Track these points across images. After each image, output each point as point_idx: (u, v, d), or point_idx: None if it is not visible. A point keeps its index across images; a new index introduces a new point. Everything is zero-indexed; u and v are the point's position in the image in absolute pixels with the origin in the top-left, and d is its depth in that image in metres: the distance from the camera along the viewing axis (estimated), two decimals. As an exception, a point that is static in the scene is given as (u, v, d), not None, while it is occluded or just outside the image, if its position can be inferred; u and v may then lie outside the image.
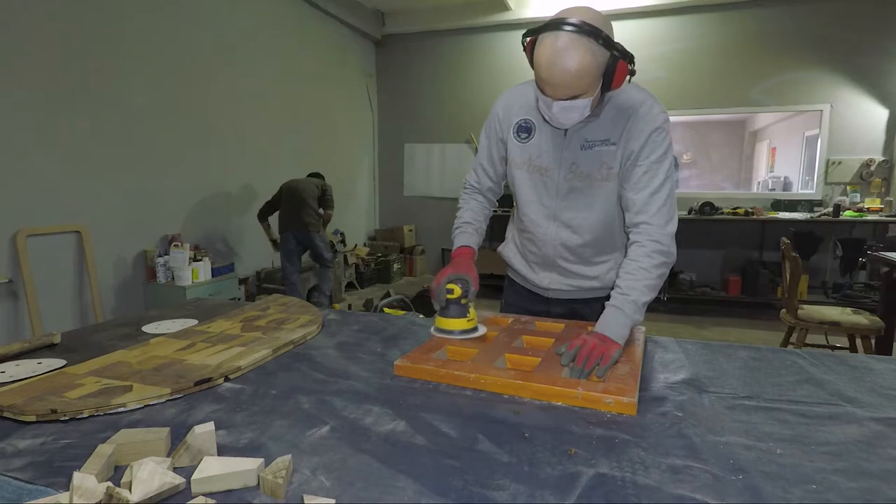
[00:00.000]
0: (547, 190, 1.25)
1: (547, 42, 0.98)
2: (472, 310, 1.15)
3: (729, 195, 5.92)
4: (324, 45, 5.52)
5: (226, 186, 4.24)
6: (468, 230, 1.31)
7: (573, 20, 0.96)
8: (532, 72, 1.09)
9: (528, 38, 1.06)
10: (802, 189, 6.01)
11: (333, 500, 0.56)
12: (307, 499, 0.56)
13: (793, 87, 5.05)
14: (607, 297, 1.15)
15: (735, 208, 5.05)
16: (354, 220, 6.28)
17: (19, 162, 2.75)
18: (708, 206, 5.03)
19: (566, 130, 1.17)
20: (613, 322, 1.06)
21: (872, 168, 4.90)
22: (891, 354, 2.30)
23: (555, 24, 0.98)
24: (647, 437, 0.73)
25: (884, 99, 4.83)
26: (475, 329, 1.15)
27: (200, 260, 3.50)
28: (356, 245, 5.87)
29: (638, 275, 1.10)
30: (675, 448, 0.70)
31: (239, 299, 3.88)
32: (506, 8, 5.62)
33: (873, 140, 4.92)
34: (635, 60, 1.04)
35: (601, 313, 1.10)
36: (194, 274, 3.40)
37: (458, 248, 1.27)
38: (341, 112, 5.93)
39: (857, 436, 0.74)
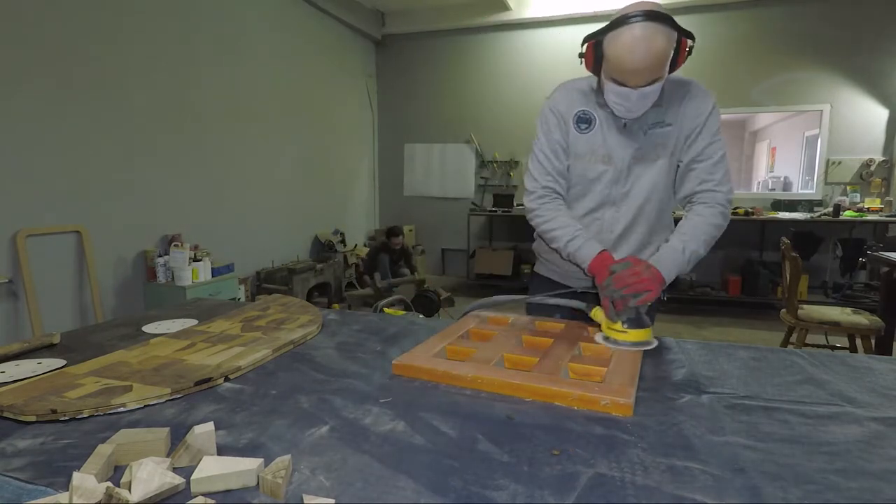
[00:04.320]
0: (608, 179, 1.29)
1: (623, 37, 1.05)
2: None
3: (729, 195, 5.91)
4: (324, 45, 5.52)
5: (226, 186, 4.24)
6: (588, 236, 1.26)
7: (641, 11, 1.04)
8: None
9: (590, 41, 1.14)
10: (802, 189, 6.02)
11: (333, 500, 0.56)
12: (307, 499, 0.56)
13: (793, 87, 5.05)
14: None
15: (735, 208, 5.05)
16: (354, 220, 6.28)
17: (19, 162, 2.75)
18: (708, 206, 5.02)
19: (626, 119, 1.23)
20: (671, 261, 1.14)
21: (872, 168, 4.90)
22: (891, 354, 2.30)
23: (625, 20, 1.05)
24: (646, 438, 0.73)
25: (884, 99, 4.83)
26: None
27: (200, 260, 3.50)
28: (356, 245, 5.87)
29: (704, 228, 1.18)
30: (674, 448, 0.70)
31: (239, 299, 3.88)
32: (506, 8, 5.62)
33: (873, 140, 4.92)
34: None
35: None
36: (194, 274, 3.40)
37: (600, 255, 1.20)
38: (341, 112, 5.93)
39: (857, 436, 0.74)
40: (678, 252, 1.16)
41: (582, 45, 1.17)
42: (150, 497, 0.56)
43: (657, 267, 1.12)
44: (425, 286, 4.79)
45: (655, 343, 1.10)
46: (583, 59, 1.19)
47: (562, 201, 1.34)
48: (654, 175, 1.28)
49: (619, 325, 1.08)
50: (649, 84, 1.09)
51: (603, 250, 1.22)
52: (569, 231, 1.27)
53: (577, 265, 1.27)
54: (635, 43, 1.04)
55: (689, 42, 1.10)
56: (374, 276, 4.92)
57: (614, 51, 1.08)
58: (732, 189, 1.25)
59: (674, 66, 1.11)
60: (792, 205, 5.15)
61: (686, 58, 1.12)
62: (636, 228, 1.34)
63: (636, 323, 1.07)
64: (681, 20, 1.07)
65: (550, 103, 1.31)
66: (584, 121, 1.27)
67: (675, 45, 1.08)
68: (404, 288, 5.03)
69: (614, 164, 1.27)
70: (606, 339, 1.09)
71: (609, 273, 1.11)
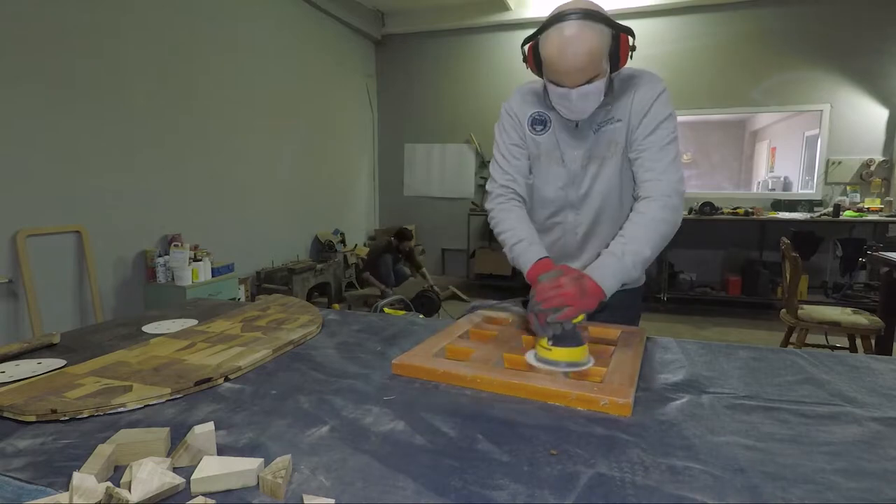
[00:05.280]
0: (564, 180, 1.27)
1: (554, 34, 1.04)
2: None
3: (729, 195, 5.92)
4: (324, 45, 5.52)
5: (226, 186, 4.24)
6: (534, 240, 1.20)
7: (568, 10, 1.03)
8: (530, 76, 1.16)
9: (529, 44, 1.12)
10: (802, 189, 6.01)
11: (333, 500, 0.56)
12: (307, 499, 0.56)
13: (793, 87, 5.05)
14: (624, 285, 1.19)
15: (735, 208, 5.05)
16: (354, 220, 6.28)
17: (19, 162, 2.75)
18: (708, 206, 5.03)
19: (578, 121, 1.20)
20: (608, 271, 1.04)
21: (872, 168, 4.90)
22: (891, 354, 2.30)
23: (554, 20, 1.04)
24: (646, 438, 0.73)
25: (884, 99, 4.83)
26: (590, 358, 0.99)
27: (200, 260, 3.50)
28: (356, 245, 5.86)
29: (646, 225, 1.09)
30: (674, 448, 0.70)
31: (239, 299, 3.88)
32: (506, 8, 5.62)
33: (873, 140, 4.92)
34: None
35: (610, 303, 1.09)
36: (194, 274, 3.40)
37: (538, 263, 1.15)
38: (341, 112, 5.93)
39: (857, 436, 0.74)
40: (617, 258, 1.07)
41: (522, 47, 1.15)
42: (150, 497, 0.56)
43: (593, 277, 1.03)
44: (427, 286, 4.79)
45: (588, 364, 0.97)
46: (527, 64, 1.17)
47: (518, 201, 1.29)
48: (610, 174, 1.24)
49: (544, 342, 0.98)
50: (586, 83, 1.06)
51: (543, 258, 1.16)
52: (514, 234, 1.22)
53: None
54: (564, 43, 1.02)
55: (631, 40, 1.08)
56: (369, 277, 4.92)
57: (546, 52, 1.06)
58: (682, 178, 1.15)
59: (617, 62, 1.09)
60: (792, 205, 5.15)
61: (629, 53, 1.09)
62: (599, 230, 1.29)
63: (563, 340, 0.96)
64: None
65: (506, 105, 1.30)
66: (538, 122, 1.25)
67: (610, 41, 1.06)
68: (409, 285, 5.04)
69: (567, 166, 1.25)
70: (536, 356, 0.99)
71: (537, 284, 1.03)
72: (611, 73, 1.10)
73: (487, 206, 1.33)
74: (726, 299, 5.13)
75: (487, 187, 1.35)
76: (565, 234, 1.32)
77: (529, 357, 1.00)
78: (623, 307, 1.30)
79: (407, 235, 4.97)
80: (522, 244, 1.19)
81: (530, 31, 1.13)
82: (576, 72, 1.04)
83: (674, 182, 1.14)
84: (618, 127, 1.19)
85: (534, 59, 1.13)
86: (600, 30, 1.03)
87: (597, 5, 1.06)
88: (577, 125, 1.21)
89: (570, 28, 1.01)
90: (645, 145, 1.16)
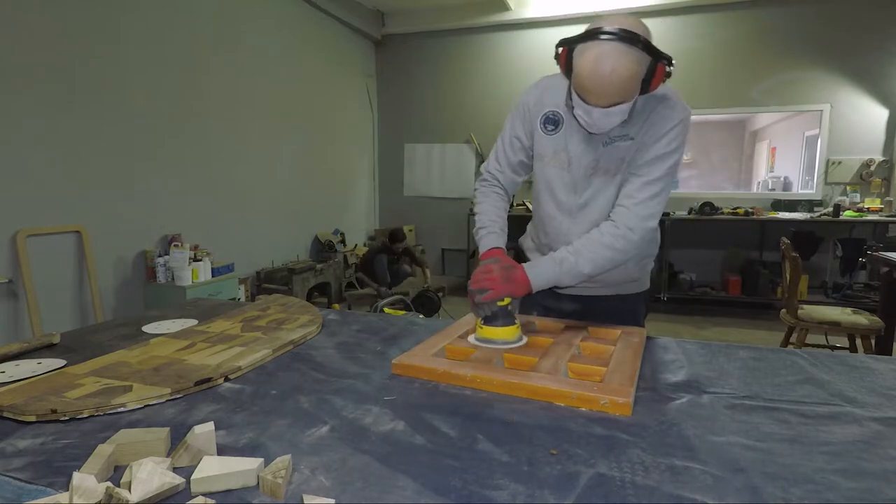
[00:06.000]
0: (565, 185, 1.24)
1: (589, 53, 0.97)
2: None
3: (729, 195, 5.92)
4: (324, 45, 5.52)
5: (226, 186, 4.24)
6: (494, 229, 1.27)
7: (613, 28, 0.95)
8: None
9: (562, 48, 1.05)
10: (802, 189, 6.01)
11: (333, 500, 0.56)
12: (307, 498, 0.56)
13: (793, 87, 5.04)
14: (618, 296, 1.31)
15: (735, 208, 5.05)
16: (354, 220, 6.28)
17: (19, 162, 2.75)
18: (708, 206, 5.03)
19: None
20: (542, 270, 1.14)
21: (872, 168, 4.90)
22: (891, 354, 2.30)
23: (594, 34, 0.97)
24: (646, 438, 0.73)
25: (884, 99, 4.82)
26: (521, 338, 1.11)
27: (200, 260, 3.50)
28: (356, 245, 5.86)
29: (594, 247, 1.14)
30: (674, 448, 0.70)
31: (239, 299, 3.88)
32: (506, 8, 5.62)
33: (873, 140, 4.92)
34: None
35: (612, 309, 1.26)
36: (194, 274, 3.40)
37: (488, 251, 1.23)
38: (341, 112, 5.93)
39: (857, 436, 0.74)
40: (554, 263, 1.14)
41: (556, 48, 1.07)
42: (150, 497, 0.56)
43: (527, 272, 1.13)
44: (427, 286, 4.79)
45: (519, 343, 1.09)
46: (558, 63, 1.10)
47: (500, 190, 1.35)
48: (614, 191, 1.20)
49: (480, 322, 1.11)
50: (612, 105, 1.01)
51: (494, 247, 1.23)
52: (481, 219, 1.30)
53: None
54: (599, 63, 0.96)
55: (667, 68, 1.02)
56: (363, 277, 4.96)
57: (579, 67, 1.00)
58: (654, 215, 1.15)
59: (647, 87, 1.03)
60: (792, 205, 5.14)
61: (662, 81, 1.04)
62: None
63: (492, 320, 1.09)
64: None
65: (524, 95, 1.27)
66: (551, 122, 1.22)
67: (646, 69, 0.99)
68: (407, 284, 5.05)
69: (572, 171, 1.22)
70: (475, 336, 1.12)
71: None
72: (641, 94, 1.05)
73: (476, 185, 1.40)
74: (726, 299, 5.13)
75: (481, 168, 1.40)
76: (557, 240, 1.29)
77: (471, 338, 1.12)
78: (624, 313, 1.32)
79: (397, 237, 5.00)
80: (484, 230, 1.28)
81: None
82: (605, 95, 1.00)
83: (641, 218, 1.13)
84: (629, 145, 1.15)
85: (566, 63, 1.05)
86: (638, 57, 0.97)
87: (642, 26, 1.00)
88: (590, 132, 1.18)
89: (607, 49, 0.95)
90: (637, 172, 1.15)
